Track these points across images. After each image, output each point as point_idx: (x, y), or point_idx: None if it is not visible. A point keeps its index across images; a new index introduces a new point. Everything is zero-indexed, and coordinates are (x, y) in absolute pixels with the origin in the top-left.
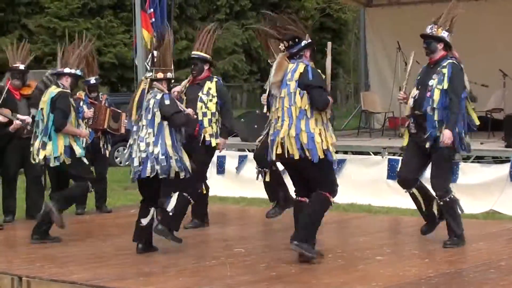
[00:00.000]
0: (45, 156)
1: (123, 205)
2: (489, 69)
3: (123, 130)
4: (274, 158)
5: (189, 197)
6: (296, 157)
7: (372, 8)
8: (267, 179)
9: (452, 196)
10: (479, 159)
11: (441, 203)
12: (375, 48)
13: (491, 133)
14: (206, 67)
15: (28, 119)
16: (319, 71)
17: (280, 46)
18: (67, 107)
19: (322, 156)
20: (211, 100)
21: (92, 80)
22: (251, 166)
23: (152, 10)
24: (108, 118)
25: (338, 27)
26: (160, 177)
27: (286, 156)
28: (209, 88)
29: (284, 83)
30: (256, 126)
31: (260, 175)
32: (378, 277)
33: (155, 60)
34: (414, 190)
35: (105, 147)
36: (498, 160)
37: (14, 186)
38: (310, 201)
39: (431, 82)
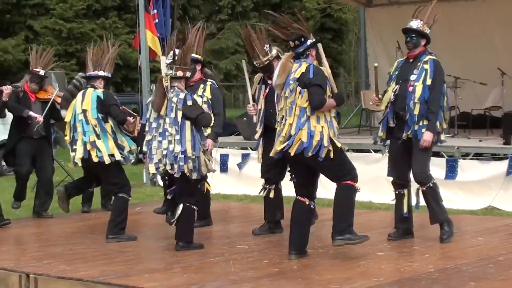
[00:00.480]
0: (96, 155)
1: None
2: (488, 67)
3: (136, 133)
4: (281, 156)
5: (193, 206)
6: (292, 154)
7: (372, 8)
8: (271, 195)
9: (434, 182)
10: (478, 156)
11: (425, 189)
12: (375, 48)
13: (490, 130)
14: (198, 68)
15: (40, 118)
16: (323, 69)
17: (265, 48)
18: (118, 103)
19: (324, 154)
20: (205, 103)
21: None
22: (253, 164)
23: (155, 11)
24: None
25: (339, 27)
26: (176, 176)
27: (292, 155)
28: (204, 91)
29: (287, 82)
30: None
31: (265, 192)
32: (379, 273)
33: (176, 58)
34: (405, 191)
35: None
36: (496, 157)
37: (26, 181)
38: (337, 193)
39: (412, 77)
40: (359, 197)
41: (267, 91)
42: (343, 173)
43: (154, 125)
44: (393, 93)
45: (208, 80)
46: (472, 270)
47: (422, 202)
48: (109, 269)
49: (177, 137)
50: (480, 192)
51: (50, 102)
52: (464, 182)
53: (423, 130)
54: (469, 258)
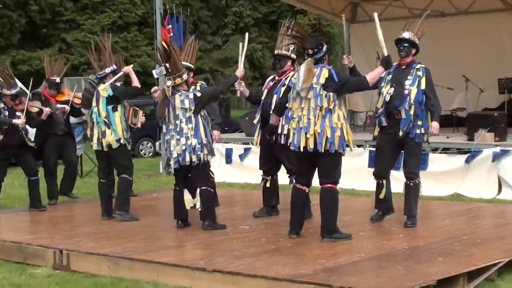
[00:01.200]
0: (104, 141)
1: (146, 190)
2: (454, 74)
3: (139, 125)
4: (302, 150)
5: (209, 188)
6: (321, 150)
7: (355, 24)
8: (268, 185)
9: (420, 179)
10: (446, 150)
11: (411, 184)
12: (358, 58)
13: (456, 128)
14: (191, 74)
15: (66, 107)
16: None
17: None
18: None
19: (336, 148)
20: None
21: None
22: (254, 157)
23: (170, 26)
24: (131, 115)
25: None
26: (194, 164)
27: (308, 149)
28: (195, 90)
29: (311, 86)
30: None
31: (263, 182)
32: (361, 249)
33: (169, 70)
34: (384, 181)
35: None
36: (461, 151)
37: (55, 175)
38: (322, 197)
39: (407, 82)
40: (344, 185)
41: (272, 84)
42: (333, 175)
43: (171, 127)
44: (388, 95)
45: (199, 81)
46: (441, 248)
47: (395, 190)
48: (131, 246)
49: (193, 132)
50: (447, 181)
51: (69, 103)
52: (434, 172)
53: (417, 130)
54: (438, 237)
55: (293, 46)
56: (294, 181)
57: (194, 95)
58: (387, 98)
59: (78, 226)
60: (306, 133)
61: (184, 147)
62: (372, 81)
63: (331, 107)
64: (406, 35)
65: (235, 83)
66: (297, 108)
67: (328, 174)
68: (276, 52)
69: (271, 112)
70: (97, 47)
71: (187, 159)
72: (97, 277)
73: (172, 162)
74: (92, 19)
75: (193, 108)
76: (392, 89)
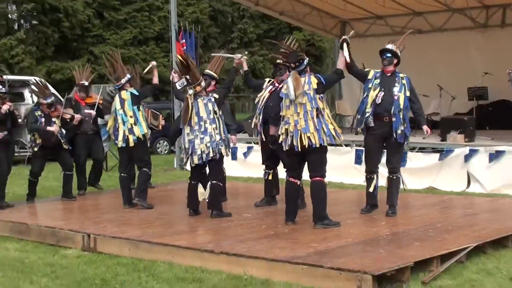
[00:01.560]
0: (131, 138)
1: (162, 183)
2: (429, 83)
3: (160, 127)
4: (300, 148)
5: (219, 183)
6: (318, 144)
7: None
8: (270, 178)
9: (400, 174)
10: (422, 149)
11: (394, 177)
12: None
13: (430, 130)
14: (213, 83)
15: (93, 113)
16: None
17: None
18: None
19: (327, 140)
20: None
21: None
22: (255, 154)
23: (184, 40)
24: (150, 117)
25: (319, 53)
26: (216, 157)
27: (307, 146)
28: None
29: (303, 93)
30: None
31: (266, 175)
32: (349, 235)
33: (190, 81)
34: (374, 176)
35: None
36: (436, 150)
37: (84, 169)
38: (312, 189)
39: (395, 89)
40: (333, 179)
41: (273, 89)
42: (320, 169)
43: (196, 128)
44: (379, 98)
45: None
46: (417, 234)
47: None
48: (149, 231)
49: (217, 130)
50: (423, 176)
51: (96, 105)
52: (411, 168)
53: (400, 131)
54: (415, 225)
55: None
56: (287, 176)
57: (215, 98)
58: (378, 101)
59: (104, 213)
60: (305, 133)
61: (208, 144)
62: (341, 66)
63: (323, 106)
64: (389, 46)
65: (236, 60)
66: (292, 114)
67: (316, 169)
68: (278, 61)
69: (270, 126)
70: (110, 61)
71: (211, 154)
72: (120, 258)
73: (195, 158)
74: (116, 34)
75: (216, 109)
76: (382, 93)
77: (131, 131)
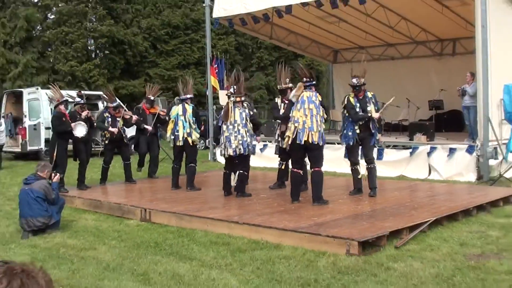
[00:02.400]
0: (191, 141)
1: (200, 171)
2: (400, 97)
3: (201, 129)
4: (303, 143)
5: (245, 172)
6: (316, 142)
7: (337, 64)
8: (283, 167)
9: (375, 164)
10: (395, 147)
11: (371, 167)
12: (338, 87)
13: (401, 132)
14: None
15: (149, 128)
16: None
17: (286, 80)
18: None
19: (323, 141)
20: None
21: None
22: (269, 150)
23: (216, 65)
24: None
25: (318, 74)
26: (244, 154)
27: (309, 142)
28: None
29: (309, 100)
30: (272, 128)
31: (281, 165)
32: (340, 211)
33: (235, 91)
34: (358, 167)
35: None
36: (405, 147)
37: (144, 156)
38: (312, 177)
39: (368, 108)
40: (328, 168)
41: (284, 106)
42: (319, 162)
43: (230, 127)
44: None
45: (245, 102)
46: (392, 210)
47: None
48: (190, 207)
49: (248, 133)
50: (395, 166)
51: (156, 114)
52: (387, 161)
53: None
54: (389, 203)
55: (288, 79)
56: (292, 167)
57: (250, 113)
58: (361, 122)
59: (156, 193)
60: (311, 131)
61: (241, 142)
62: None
63: (322, 114)
64: (355, 81)
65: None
66: (301, 115)
67: (316, 162)
68: (279, 87)
69: (281, 123)
70: (183, 80)
71: (242, 150)
72: (168, 227)
73: (230, 151)
74: (166, 60)
75: (248, 119)
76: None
77: (189, 134)
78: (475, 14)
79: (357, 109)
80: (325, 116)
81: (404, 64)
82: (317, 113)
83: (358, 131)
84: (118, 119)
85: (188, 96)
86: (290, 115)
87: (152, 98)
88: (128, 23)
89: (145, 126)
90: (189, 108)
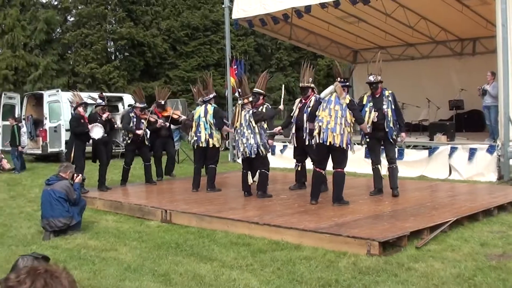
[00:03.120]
0: (212, 142)
1: (219, 172)
2: (420, 97)
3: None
4: (327, 143)
5: (266, 171)
6: (338, 144)
7: (357, 64)
8: (299, 169)
9: (397, 164)
10: (415, 147)
11: (393, 166)
12: (358, 86)
13: (421, 132)
14: (261, 97)
15: (167, 124)
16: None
17: (309, 79)
18: (224, 115)
19: (346, 146)
20: None
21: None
22: (289, 151)
23: (235, 66)
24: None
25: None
26: (252, 156)
27: (332, 143)
28: (263, 109)
29: (336, 101)
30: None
31: (297, 166)
32: (360, 211)
33: (241, 94)
34: (379, 166)
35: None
36: (425, 147)
37: (160, 162)
38: (334, 177)
39: (384, 106)
40: (348, 169)
41: (300, 105)
42: (342, 162)
43: (239, 130)
44: (376, 117)
45: (265, 103)
46: (412, 211)
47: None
48: (210, 208)
49: (252, 135)
50: (416, 166)
51: (169, 117)
52: (407, 161)
53: (395, 133)
54: (410, 204)
55: (311, 78)
56: (314, 166)
57: (253, 112)
58: (375, 119)
59: (176, 194)
60: (333, 132)
61: (245, 144)
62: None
63: (349, 118)
64: (372, 78)
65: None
66: (326, 115)
67: (339, 163)
68: (301, 85)
69: (305, 120)
70: (202, 80)
71: (247, 154)
72: (188, 228)
73: (239, 153)
74: (185, 62)
75: (252, 120)
76: (376, 113)
77: (211, 136)
78: (496, 12)
79: (367, 109)
80: (353, 119)
81: (424, 64)
82: (343, 116)
83: (369, 129)
84: (142, 120)
85: (211, 95)
86: (316, 113)
87: (162, 102)
88: (147, 25)
89: (162, 124)
90: (210, 109)
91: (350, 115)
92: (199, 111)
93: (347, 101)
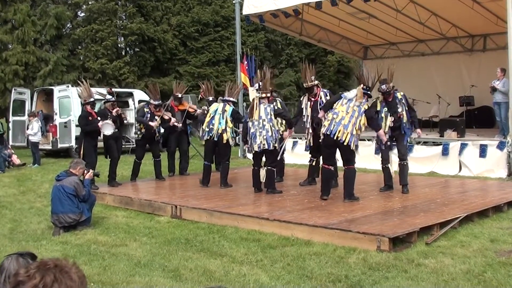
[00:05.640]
0: (225, 137)
1: (230, 168)
2: (431, 93)
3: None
4: (335, 137)
5: (273, 168)
6: (346, 143)
7: (367, 60)
8: (313, 164)
9: (408, 161)
10: (425, 143)
11: (404, 163)
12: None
13: (432, 129)
14: (269, 95)
15: (180, 125)
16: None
17: (312, 77)
18: (241, 117)
19: (353, 146)
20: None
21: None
22: (300, 147)
23: (246, 62)
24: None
25: (348, 71)
26: (270, 149)
27: (341, 141)
28: (276, 104)
29: (355, 103)
30: (302, 125)
31: (311, 161)
32: (370, 207)
33: (261, 87)
34: (388, 165)
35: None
36: (436, 143)
37: (173, 157)
38: (345, 173)
39: (399, 110)
40: (359, 165)
41: (311, 104)
42: (352, 159)
43: (256, 123)
44: (391, 122)
45: (277, 99)
46: (422, 206)
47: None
48: (220, 203)
49: (273, 128)
50: (426, 163)
51: (185, 111)
52: (417, 157)
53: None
54: (420, 200)
55: (314, 76)
56: (322, 163)
57: (275, 107)
58: (391, 125)
59: (187, 190)
60: (345, 129)
61: (265, 137)
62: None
63: (362, 122)
64: (384, 87)
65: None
66: (343, 110)
67: (349, 159)
68: (305, 85)
69: (320, 109)
70: (230, 82)
71: (266, 146)
72: (198, 223)
73: (255, 146)
74: (196, 57)
75: (272, 114)
76: (392, 118)
77: (224, 130)
78: (507, 9)
79: (382, 114)
80: (366, 124)
81: (435, 60)
82: (358, 117)
83: (390, 133)
84: (156, 117)
85: (231, 99)
86: (334, 105)
87: (179, 95)
88: (158, 21)
89: (175, 124)
90: (229, 108)
91: (364, 119)
92: (216, 106)
93: (366, 107)
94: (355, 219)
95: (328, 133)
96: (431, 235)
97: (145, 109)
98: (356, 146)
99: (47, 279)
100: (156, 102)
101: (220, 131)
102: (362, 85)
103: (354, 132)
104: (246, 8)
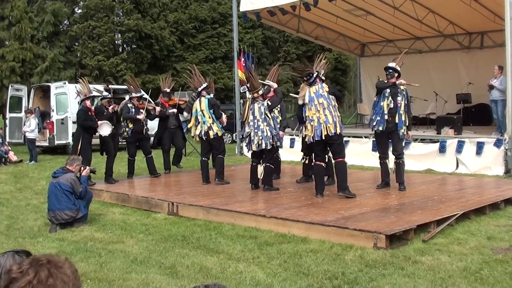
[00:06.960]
0: (212, 133)
1: (227, 165)
2: (428, 91)
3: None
4: (323, 137)
5: (270, 165)
6: (333, 133)
7: (364, 57)
8: (307, 162)
9: (404, 159)
10: (422, 140)
11: (400, 161)
12: (365, 79)
13: (429, 126)
14: (272, 89)
15: (174, 111)
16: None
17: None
18: (218, 104)
19: (340, 129)
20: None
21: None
22: (297, 144)
23: (243, 59)
24: None
25: (345, 68)
26: (268, 148)
27: (329, 135)
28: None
29: (317, 95)
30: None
31: (303, 159)
32: (367, 205)
33: (250, 87)
34: (386, 161)
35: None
36: (433, 141)
37: (169, 154)
38: (336, 168)
39: (399, 98)
40: (355, 162)
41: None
42: (341, 151)
43: (251, 123)
44: (392, 103)
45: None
46: (419, 204)
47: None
48: (217, 200)
49: (267, 127)
50: (423, 160)
51: (176, 105)
52: (414, 154)
53: (404, 128)
54: (417, 197)
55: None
56: (314, 160)
57: (267, 104)
58: (392, 105)
59: (183, 187)
60: (326, 124)
61: (261, 137)
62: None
63: (334, 103)
64: (391, 64)
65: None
66: (314, 113)
67: (338, 152)
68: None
69: (296, 129)
70: (190, 74)
71: (263, 145)
72: (195, 220)
73: (254, 146)
74: (193, 54)
75: (267, 112)
76: (392, 100)
77: (210, 128)
78: (504, 6)
79: (386, 93)
80: (337, 104)
81: (432, 58)
82: (329, 104)
83: (386, 116)
84: (141, 110)
85: (202, 86)
86: (304, 115)
87: (167, 90)
88: (155, 17)
89: (169, 111)
90: (204, 101)
91: (333, 100)
92: (196, 105)
93: (327, 89)
94: (352, 216)
95: (317, 138)
96: (428, 232)
97: (129, 105)
98: (342, 128)
99: (42, 275)
100: (138, 94)
101: (206, 129)
102: (304, 78)
103: (335, 118)
104: (244, 5)
